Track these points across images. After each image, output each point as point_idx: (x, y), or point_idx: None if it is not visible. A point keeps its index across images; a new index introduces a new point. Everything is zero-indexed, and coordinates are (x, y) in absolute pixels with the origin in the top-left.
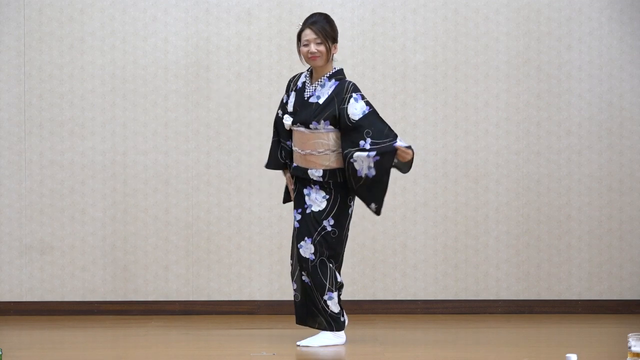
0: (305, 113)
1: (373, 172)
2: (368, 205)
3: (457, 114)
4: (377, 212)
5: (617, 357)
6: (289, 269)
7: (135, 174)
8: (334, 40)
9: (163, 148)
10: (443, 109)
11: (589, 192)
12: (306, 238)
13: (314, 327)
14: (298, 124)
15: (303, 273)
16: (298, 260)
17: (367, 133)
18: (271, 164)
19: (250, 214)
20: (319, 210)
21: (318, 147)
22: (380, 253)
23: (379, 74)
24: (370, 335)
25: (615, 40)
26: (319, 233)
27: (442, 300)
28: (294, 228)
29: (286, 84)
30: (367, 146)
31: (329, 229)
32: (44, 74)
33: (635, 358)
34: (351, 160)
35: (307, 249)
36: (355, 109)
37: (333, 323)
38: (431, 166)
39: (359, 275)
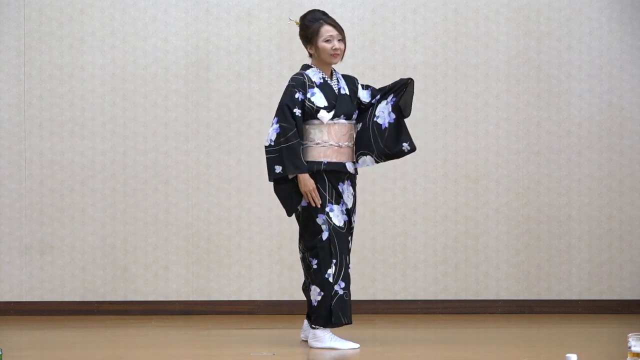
0: (346, 105)
1: (393, 115)
2: (401, 151)
3: (457, 114)
4: (413, 148)
5: (617, 357)
6: (292, 268)
7: (135, 174)
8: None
9: (163, 148)
10: (443, 109)
11: (589, 192)
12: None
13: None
14: (342, 116)
15: (350, 266)
16: (349, 255)
17: (375, 94)
18: (299, 168)
19: (250, 214)
20: (350, 207)
21: (351, 139)
22: (380, 253)
23: (379, 74)
24: (370, 335)
25: (615, 40)
26: (352, 230)
27: (442, 300)
28: (336, 225)
29: (293, 83)
30: (377, 96)
31: (353, 224)
32: (44, 74)
33: (635, 358)
34: (375, 119)
35: (350, 244)
36: (363, 95)
37: None
38: (431, 166)
39: (359, 275)
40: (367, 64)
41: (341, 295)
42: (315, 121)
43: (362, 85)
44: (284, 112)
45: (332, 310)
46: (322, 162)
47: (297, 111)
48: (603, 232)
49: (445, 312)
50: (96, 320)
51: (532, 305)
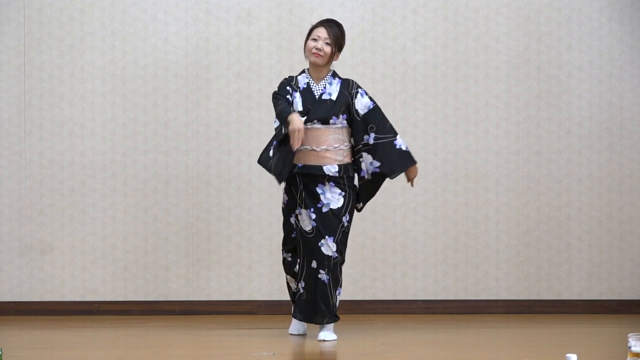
0: (322, 110)
1: (370, 177)
2: (356, 202)
3: (457, 114)
4: (359, 210)
5: (617, 357)
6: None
7: (135, 174)
8: (340, 48)
9: (163, 148)
10: (443, 109)
11: (589, 192)
12: (327, 237)
13: (321, 323)
14: (315, 120)
15: (321, 271)
16: (317, 259)
17: (371, 128)
18: (287, 112)
19: (250, 214)
20: (338, 207)
21: (334, 142)
22: (380, 253)
23: (379, 74)
24: (370, 335)
25: (615, 40)
26: (340, 230)
27: (442, 300)
28: (302, 229)
29: (284, 80)
30: (371, 141)
31: (346, 224)
32: (44, 74)
33: (635, 358)
34: (360, 159)
35: (328, 247)
36: (362, 104)
37: (335, 317)
38: (431, 166)
39: (359, 275)
40: (367, 64)
41: (300, 294)
42: None
43: (363, 94)
44: (276, 100)
45: (296, 305)
46: (296, 165)
47: (289, 97)
48: (603, 232)
49: (445, 312)
50: (96, 320)
51: (532, 305)
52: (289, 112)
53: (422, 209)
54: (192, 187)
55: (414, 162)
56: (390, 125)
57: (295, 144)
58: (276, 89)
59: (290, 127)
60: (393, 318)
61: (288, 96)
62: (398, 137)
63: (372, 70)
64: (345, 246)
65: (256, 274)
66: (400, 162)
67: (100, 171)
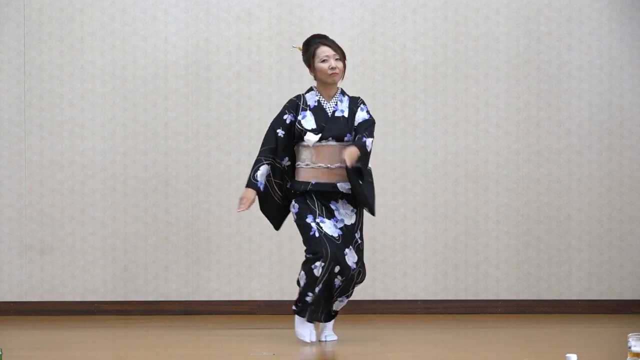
0: (337, 127)
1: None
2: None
3: (457, 114)
4: (374, 213)
5: (617, 357)
6: (292, 268)
7: (135, 174)
8: (345, 58)
9: (163, 148)
10: (443, 109)
11: (589, 192)
12: (350, 247)
13: (326, 321)
14: (330, 138)
15: (339, 276)
16: (341, 265)
17: (357, 130)
18: (249, 181)
19: (250, 214)
20: (352, 224)
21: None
22: (380, 253)
23: (379, 74)
24: (370, 335)
25: (615, 40)
26: (354, 245)
27: (442, 300)
28: (331, 235)
29: (287, 105)
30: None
31: (359, 241)
32: (44, 74)
33: (635, 358)
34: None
35: (350, 257)
36: (359, 117)
37: (332, 315)
38: (431, 166)
39: None
40: (367, 64)
41: (313, 299)
42: (305, 142)
43: (364, 109)
44: (267, 131)
45: (302, 307)
46: (309, 182)
47: (280, 132)
48: (603, 232)
49: (445, 312)
50: (96, 320)
51: (532, 305)
52: (248, 182)
53: (422, 209)
54: (192, 187)
55: (365, 166)
56: (371, 132)
57: (241, 207)
58: (275, 117)
59: (242, 195)
60: (393, 318)
61: (280, 129)
62: (370, 139)
63: (372, 70)
64: (364, 264)
65: (256, 274)
66: (362, 159)
67: (100, 171)
